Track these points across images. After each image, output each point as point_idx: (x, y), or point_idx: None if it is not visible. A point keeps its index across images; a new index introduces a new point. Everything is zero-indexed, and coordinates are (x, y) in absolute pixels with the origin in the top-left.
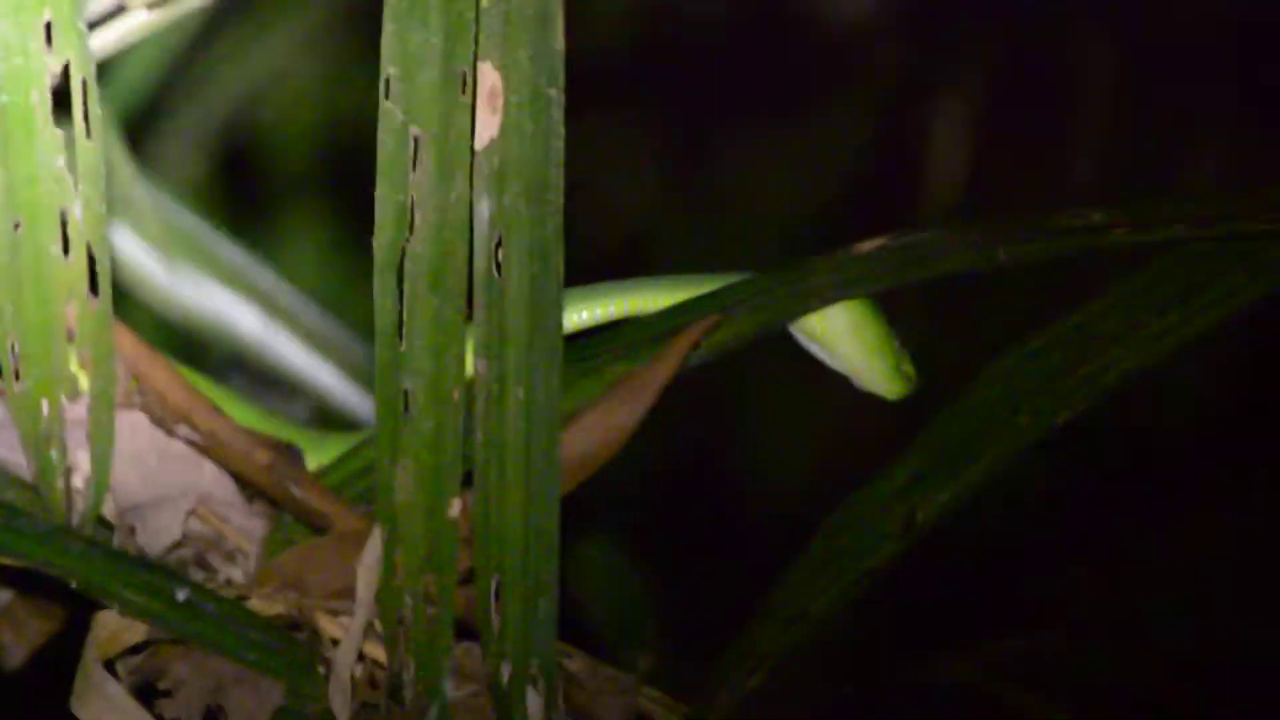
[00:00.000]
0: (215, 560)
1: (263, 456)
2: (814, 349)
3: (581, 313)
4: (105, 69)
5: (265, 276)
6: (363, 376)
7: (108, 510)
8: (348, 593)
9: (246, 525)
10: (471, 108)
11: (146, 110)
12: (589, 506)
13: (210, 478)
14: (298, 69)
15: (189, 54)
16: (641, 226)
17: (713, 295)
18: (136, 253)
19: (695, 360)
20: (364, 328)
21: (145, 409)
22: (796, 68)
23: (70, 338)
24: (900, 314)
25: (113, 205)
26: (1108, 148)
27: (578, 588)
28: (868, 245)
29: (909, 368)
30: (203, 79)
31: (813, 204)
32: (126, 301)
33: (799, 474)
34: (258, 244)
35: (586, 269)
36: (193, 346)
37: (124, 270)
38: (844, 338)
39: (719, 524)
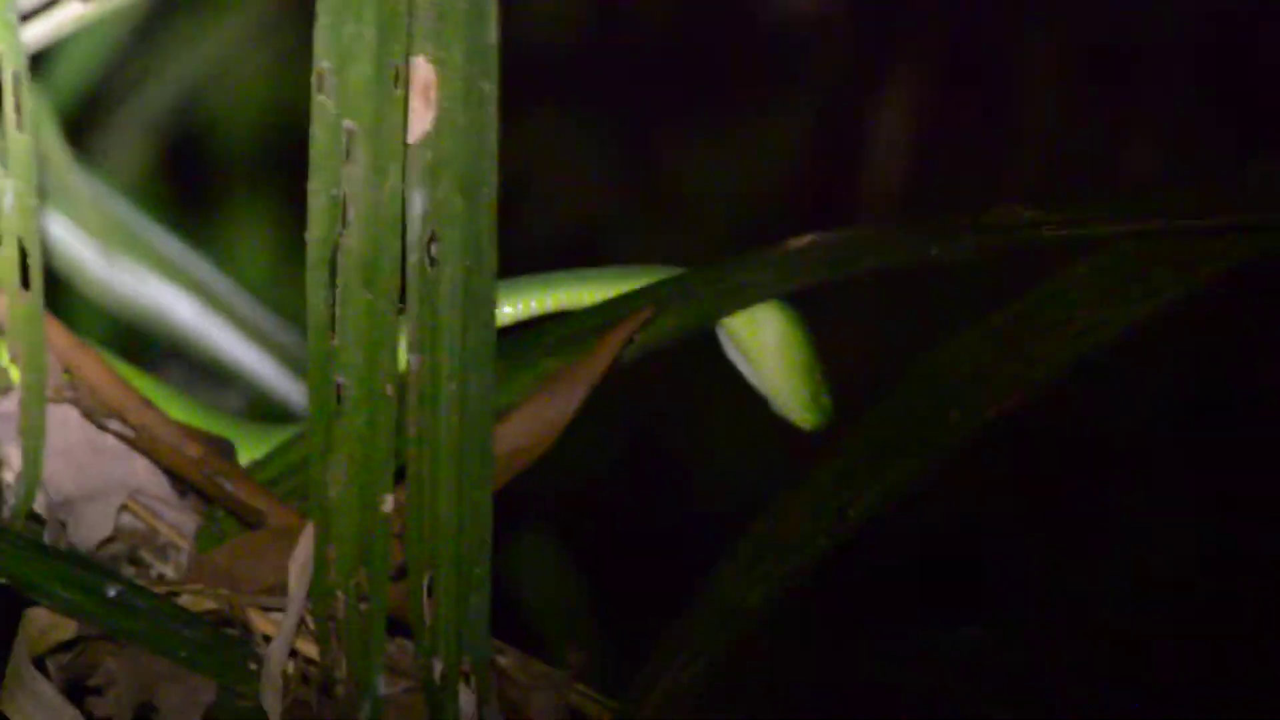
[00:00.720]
0: (147, 555)
1: (194, 451)
2: (739, 362)
3: (515, 304)
4: (43, 60)
5: (202, 267)
6: (300, 367)
7: (39, 505)
8: (280, 588)
9: (179, 520)
10: (404, 101)
11: (88, 102)
12: (525, 501)
13: (143, 473)
14: (242, 61)
15: (131, 46)
16: (588, 220)
17: (645, 290)
18: (73, 243)
19: (628, 357)
20: (304, 319)
21: (77, 403)
22: (742, 63)
23: (1, 331)
24: (839, 308)
25: (49, 195)
26: (1050, 143)
27: (513, 582)
28: (799, 241)
29: (827, 401)
30: (146, 71)
31: (758, 198)
32: (63, 291)
33: (735, 469)
34: (201, 236)
35: (533, 263)
36: (129, 337)
37: (60, 260)
38: (770, 354)
39: (654, 519)
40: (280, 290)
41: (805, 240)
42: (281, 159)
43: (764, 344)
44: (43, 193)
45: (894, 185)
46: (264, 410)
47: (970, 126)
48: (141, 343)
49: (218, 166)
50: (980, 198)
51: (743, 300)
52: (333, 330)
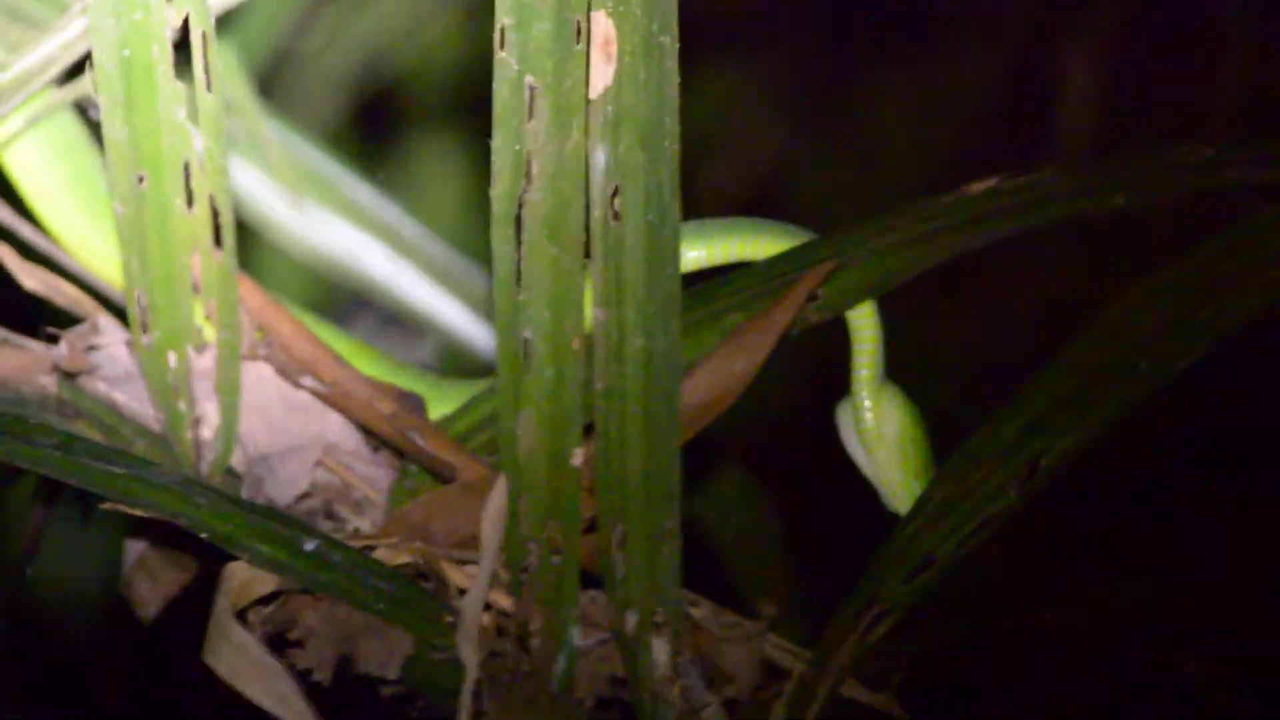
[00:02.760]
0: (342, 510)
1: (386, 407)
2: (853, 447)
3: (698, 249)
4: (233, 18)
5: (394, 213)
6: (493, 314)
7: (236, 461)
8: (473, 542)
9: (373, 475)
10: (585, 56)
11: (279, 59)
12: (719, 448)
13: (336, 428)
14: (430, 17)
15: (320, 3)
16: (773, 171)
17: (826, 241)
18: (264, 193)
19: (815, 316)
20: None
21: (271, 360)
22: (927, 8)
23: (196, 290)
24: (1020, 252)
25: (239, 146)
26: (1246, 87)
27: (707, 532)
28: (978, 187)
29: None
30: (335, 28)
31: (944, 148)
32: (254, 243)
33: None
34: (392, 187)
35: (717, 215)
36: (321, 287)
37: (252, 211)
38: (888, 445)
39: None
40: (473, 239)
41: (985, 185)
42: (470, 114)
43: (884, 435)
44: (233, 143)
45: (1086, 129)
46: (456, 359)
47: (1161, 71)
48: (333, 293)
49: (408, 121)
50: (1173, 142)
51: (928, 251)
52: (519, 285)
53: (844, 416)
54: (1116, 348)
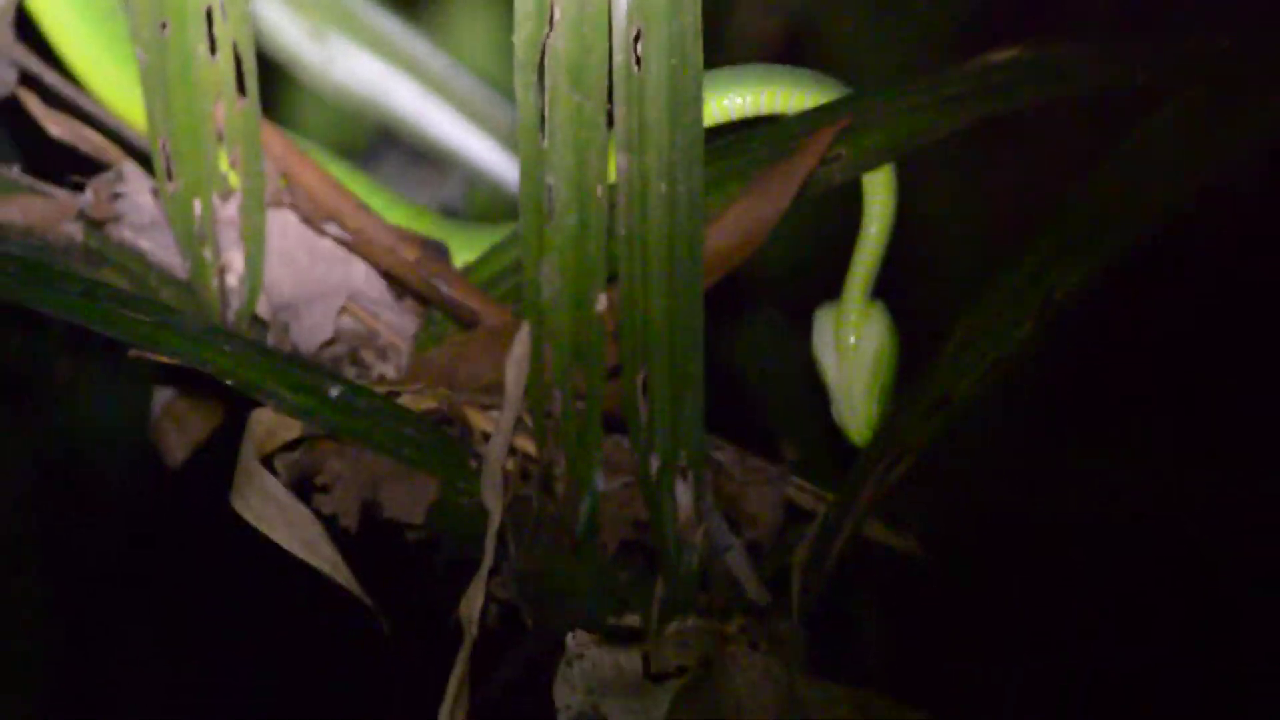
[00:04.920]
0: (367, 357)
1: (410, 254)
2: (824, 353)
3: (726, 99)
4: None
5: (421, 46)
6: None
7: (261, 308)
8: (498, 387)
9: (397, 322)
10: None
11: None
12: (750, 289)
13: (360, 275)
14: None
15: None
16: (798, 18)
17: (849, 101)
18: (288, 28)
19: (838, 176)
20: None
21: (295, 208)
22: None
23: (220, 138)
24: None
25: None
26: None
27: (738, 372)
28: (1000, 55)
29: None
30: None
31: (984, 5)
32: (280, 79)
33: (962, 250)
34: (423, 28)
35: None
36: (347, 125)
37: (276, 47)
38: (861, 360)
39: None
40: (503, 79)
41: (1008, 54)
42: None
43: (861, 350)
44: None
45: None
46: (485, 195)
47: None
48: (360, 131)
49: None
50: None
51: (949, 117)
52: (542, 132)
53: (824, 322)
54: (1128, 177)
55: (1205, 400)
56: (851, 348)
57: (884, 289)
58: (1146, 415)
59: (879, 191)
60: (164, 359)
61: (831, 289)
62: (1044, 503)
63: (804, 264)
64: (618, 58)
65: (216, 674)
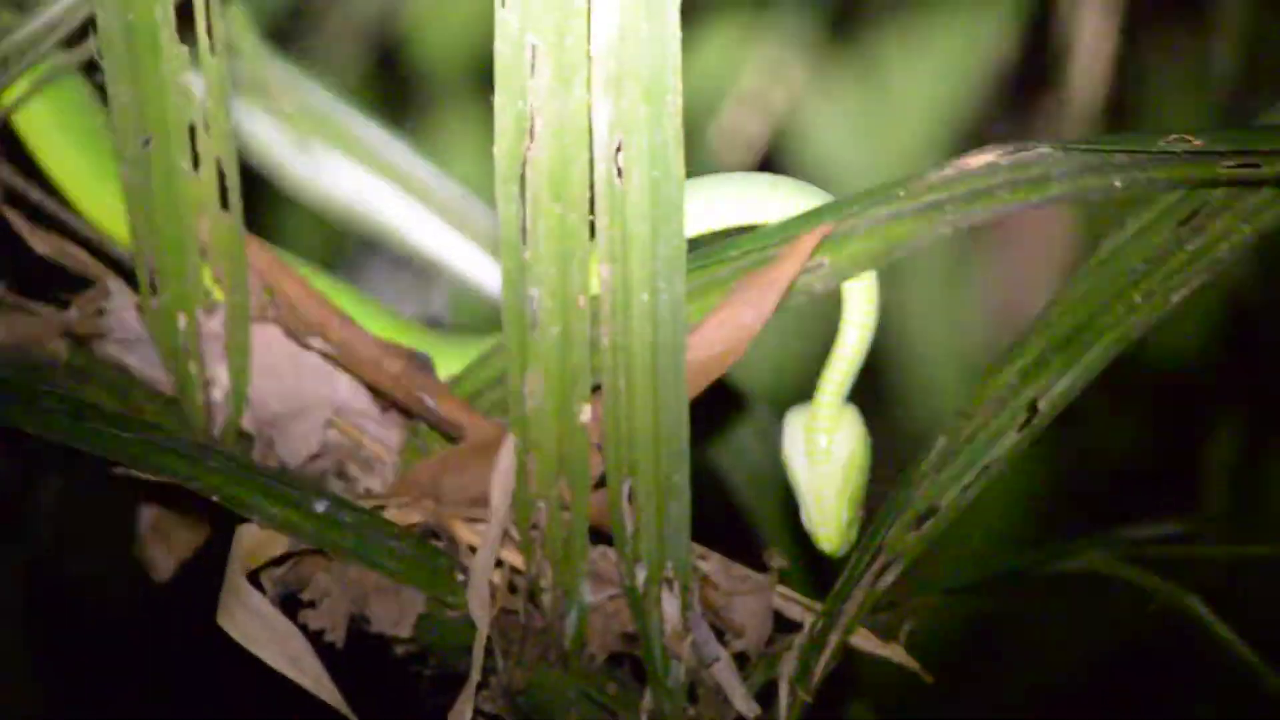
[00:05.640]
0: (353, 470)
1: (395, 367)
2: (794, 458)
3: (706, 209)
4: None
5: (404, 155)
6: None
7: (247, 422)
8: (483, 500)
9: (383, 435)
10: (587, 12)
11: (292, 11)
12: (734, 401)
13: (345, 389)
14: None
15: None
16: (784, 123)
17: (829, 208)
18: (273, 138)
19: (819, 284)
20: None
21: (279, 321)
22: None
23: (203, 252)
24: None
25: (246, 88)
26: (1252, 50)
27: (723, 482)
28: (977, 161)
29: (853, 536)
30: None
31: (958, 101)
32: (264, 191)
33: (951, 373)
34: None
35: (735, 167)
36: (331, 233)
37: (260, 157)
38: (832, 466)
39: (868, 420)
40: (488, 190)
41: (984, 160)
42: (485, 69)
43: (832, 455)
44: (239, 89)
45: (1095, 97)
46: (470, 302)
47: (1171, 32)
48: (344, 241)
49: (423, 77)
50: (1183, 105)
51: (929, 223)
52: (524, 243)
53: (795, 425)
54: (1110, 283)
55: None
56: (823, 452)
57: (861, 396)
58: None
59: (859, 299)
60: (150, 477)
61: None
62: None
63: (792, 367)
64: (599, 168)
65: None
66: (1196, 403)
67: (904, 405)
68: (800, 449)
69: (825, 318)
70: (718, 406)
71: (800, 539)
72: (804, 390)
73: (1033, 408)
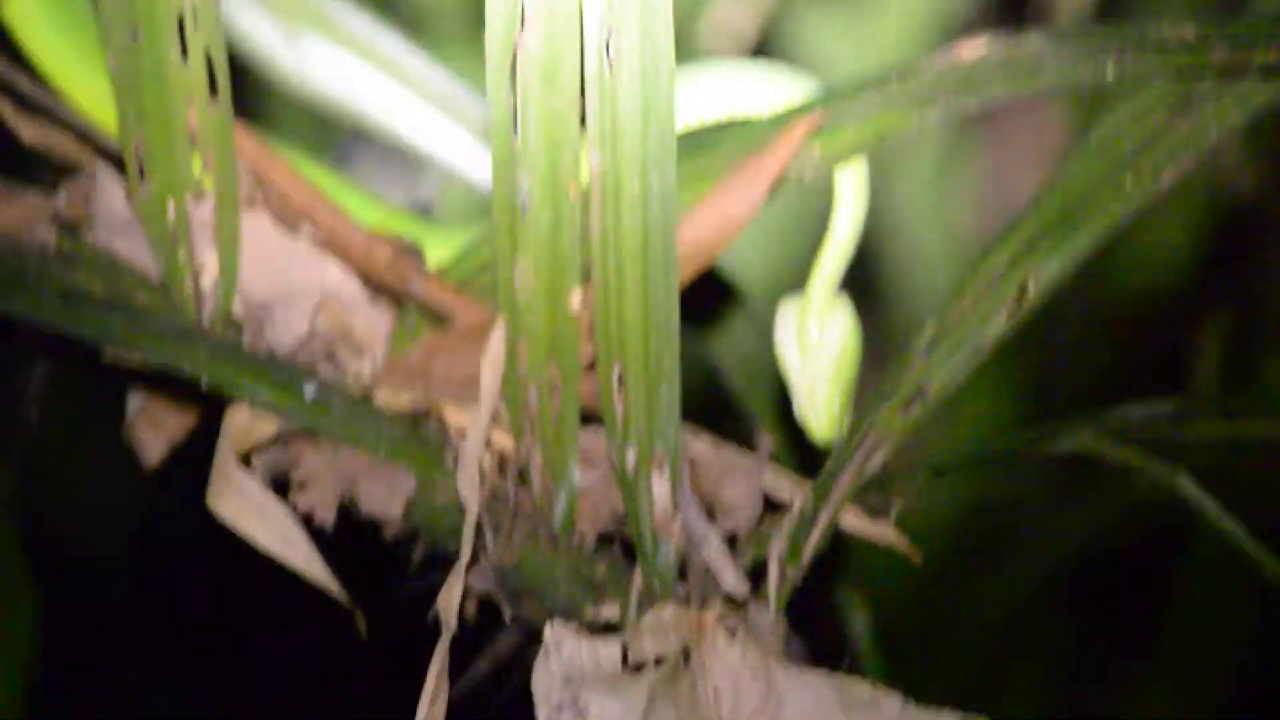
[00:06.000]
0: (343, 355)
1: (383, 254)
2: (786, 349)
3: (698, 99)
4: None
5: (394, 44)
6: None
7: (236, 309)
8: (473, 384)
9: (372, 321)
10: None
11: None
12: (730, 288)
13: (335, 275)
14: None
15: None
16: (778, 18)
17: (821, 98)
18: (262, 29)
19: (811, 173)
20: None
21: (268, 209)
22: None
23: (192, 141)
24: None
25: None
26: None
27: (717, 364)
28: (969, 51)
29: (845, 426)
30: None
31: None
32: (253, 83)
33: (942, 265)
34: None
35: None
36: (320, 124)
37: (248, 49)
38: (823, 354)
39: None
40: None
41: (976, 49)
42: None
43: (824, 346)
44: None
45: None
46: (460, 192)
47: None
48: (333, 131)
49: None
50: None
51: (920, 113)
52: (515, 131)
53: (787, 317)
54: (1100, 167)
55: None
56: (815, 343)
57: (853, 285)
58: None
59: (850, 188)
60: (140, 361)
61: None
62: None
63: (783, 258)
64: (590, 57)
65: (194, 671)
66: (1187, 296)
67: (896, 298)
68: (793, 339)
69: (817, 210)
70: (709, 296)
71: (791, 425)
72: (795, 281)
73: (1022, 290)
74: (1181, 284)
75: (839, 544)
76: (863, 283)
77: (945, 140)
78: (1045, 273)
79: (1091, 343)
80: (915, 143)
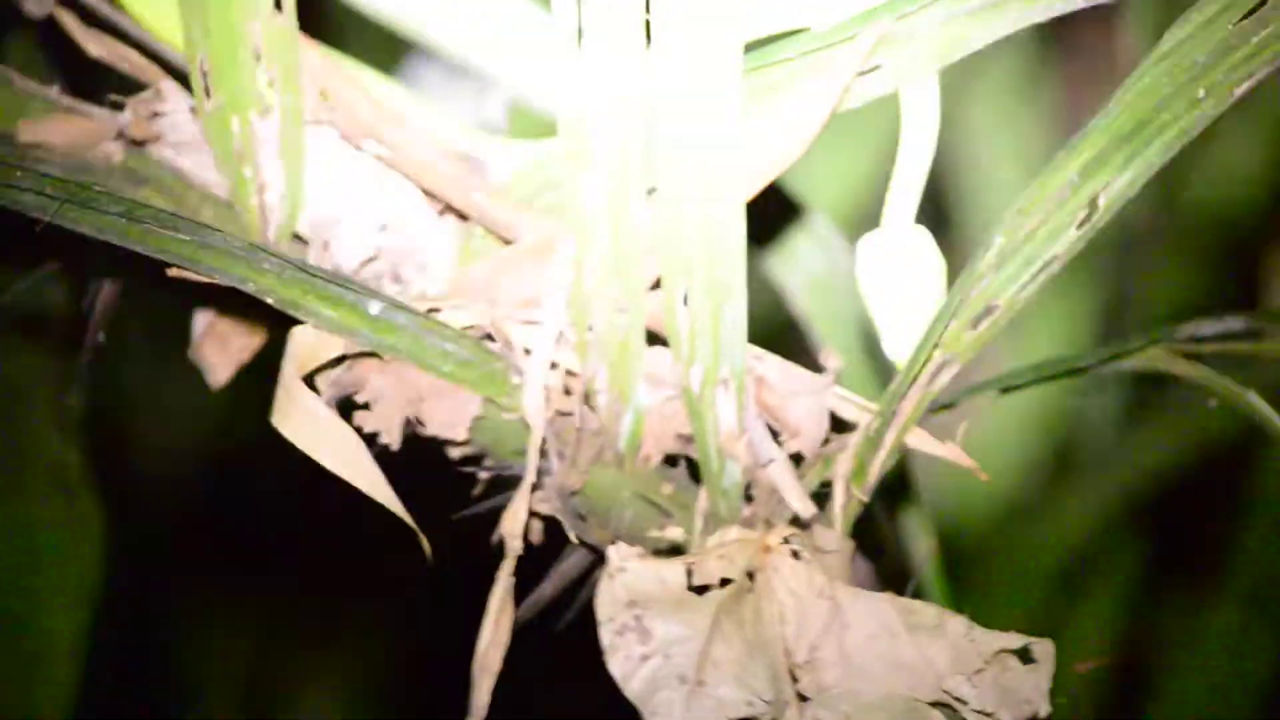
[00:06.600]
0: (408, 273)
1: (449, 169)
2: (872, 286)
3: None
4: None
5: None
6: None
7: (301, 226)
8: (539, 302)
9: (437, 238)
10: None
11: None
12: (797, 208)
13: (400, 192)
14: None
15: None
16: None
17: (888, 4)
18: None
19: (878, 88)
20: None
21: (334, 124)
22: None
23: (257, 55)
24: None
25: None
26: None
27: (781, 289)
28: None
29: None
30: None
31: None
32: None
33: (1014, 184)
34: None
35: None
36: (388, 40)
37: None
38: (908, 296)
39: (940, 231)
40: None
41: None
42: None
43: (908, 279)
44: None
45: None
46: (526, 114)
47: None
48: (401, 48)
49: None
50: None
51: (990, 24)
52: (580, 43)
53: (869, 254)
54: (1171, 78)
55: None
56: (897, 279)
57: (930, 218)
58: None
59: (919, 106)
60: (204, 278)
61: (881, 200)
62: None
63: (851, 178)
64: None
65: (258, 590)
66: (1262, 214)
67: (973, 229)
68: (877, 277)
69: (889, 131)
70: (776, 216)
71: (858, 344)
72: (865, 202)
73: (1093, 204)
74: (1257, 202)
75: (905, 468)
76: (940, 215)
77: (1019, 67)
78: (1116, 186)
79: (1166, 264)
80: (989, 70)
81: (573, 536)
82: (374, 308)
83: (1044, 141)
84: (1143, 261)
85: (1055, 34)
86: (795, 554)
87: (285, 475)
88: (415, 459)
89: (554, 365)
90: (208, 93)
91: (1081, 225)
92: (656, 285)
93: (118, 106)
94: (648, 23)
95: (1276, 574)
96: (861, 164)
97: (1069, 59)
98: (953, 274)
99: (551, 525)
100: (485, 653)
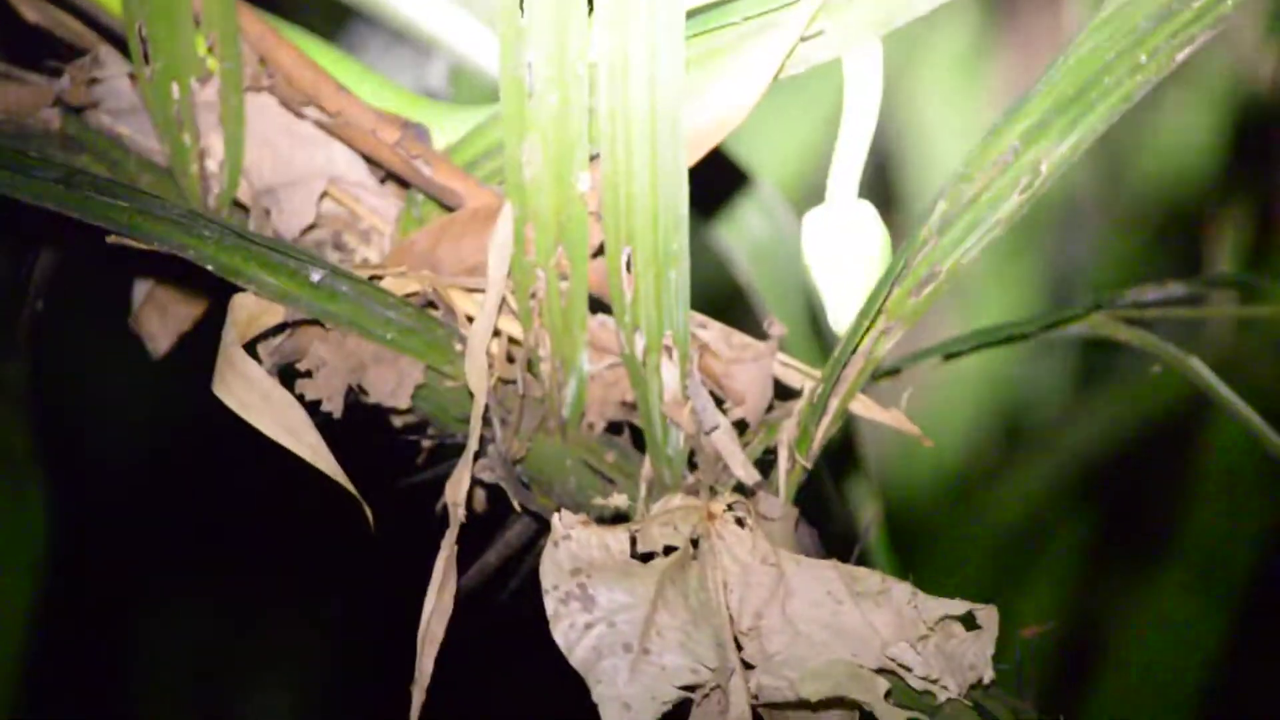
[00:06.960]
0: (350, 241)
1: (391, 136)
2: (817, 258)
3: None
4: None
5: None
6: None
7: (242, 193)
8: (481, 269)
9: (380, 205)
10: None
11: None
12: (740, 174)
13: (341, 158)
14: None
15: None
16: None
17: None
18: None
19: (819, 53)
20: None
21: (274, 91)
22: None
23: (196, 21)
24: None
25: None
26: None
27: (725, 256)
28: None
29: None
30: None
31: None
32: None
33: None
34: None
35: None
36: (329, 6)
37: None
38: (854, 269)
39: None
40: None
41: None
42: None
43: (852, 252)
44: None
45: None
46: (468, 79)
47: None
48: (341, 13)
49: None
50: None
51: None
52: (523, 10)
53: (814, 226)
54: (1114, 42)
55: None
56: (842, 253)
57: (874, 191)
58: None
59: (862, 72)
60: (143, 245)
61: (823, 165)
62: None
63: (795, 144)
64: None
65: (198, 559)
66: (1206, 185)
67: (917, 202)
68: (822, 250)
69: (833, 97)
70: (722, 183)
71: (802, 312)
72: (809, 169)
73: (1035, 170)
74: (1201, 174)
75: (851, 435)
76: (887, 189)
77: (965, 41)
78: (1059, 151)
79: (1115, 236)
80: (935, 43)
81: (516, 505)
82: (315, 275)
83: (990, 115)
84: (1092, 233)
85: (1001, 7)
86: (739, 521)
87: (230, 444)
88: (358, 427)
89: (497, 333)
90: (146, 59)
91: (1024, 191)
92: (600, 252)
93: (56, 73)
94: None
95: (1223, 539)
96: (808, 132)
97: (1015, 32)
98: (898, 248)
99: (495, 493)
100: (429, 621)
